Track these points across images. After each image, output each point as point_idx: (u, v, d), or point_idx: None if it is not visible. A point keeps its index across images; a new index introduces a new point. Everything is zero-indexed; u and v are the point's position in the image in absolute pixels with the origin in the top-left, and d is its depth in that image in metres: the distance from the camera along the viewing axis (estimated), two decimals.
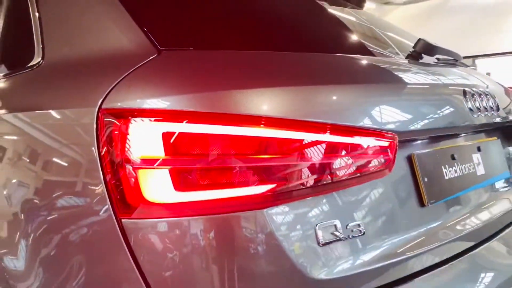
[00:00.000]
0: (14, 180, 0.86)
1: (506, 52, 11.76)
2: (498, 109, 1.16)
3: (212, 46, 0.88)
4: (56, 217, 0.76)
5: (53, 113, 0.85)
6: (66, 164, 0.78)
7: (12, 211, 0.83)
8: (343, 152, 0.75)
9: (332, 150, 0.74)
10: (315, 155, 0.73)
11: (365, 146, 0.77)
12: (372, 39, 1.34)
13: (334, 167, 0.74)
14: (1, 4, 1.30)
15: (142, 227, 0.68)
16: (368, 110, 0.84)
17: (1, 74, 1.17)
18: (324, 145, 0.74)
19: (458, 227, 0.98)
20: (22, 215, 0.80)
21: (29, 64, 1.04)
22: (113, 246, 0.68)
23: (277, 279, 0.70)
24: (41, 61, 1.01)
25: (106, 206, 0.69)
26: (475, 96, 1.07)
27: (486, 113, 1.10)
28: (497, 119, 1.17)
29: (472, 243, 0.99)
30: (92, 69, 0.85)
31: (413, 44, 1.16)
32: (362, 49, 1.18)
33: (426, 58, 1.17)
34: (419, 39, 1.16)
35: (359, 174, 0.76)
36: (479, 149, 1.16)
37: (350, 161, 0.75)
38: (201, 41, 0.89)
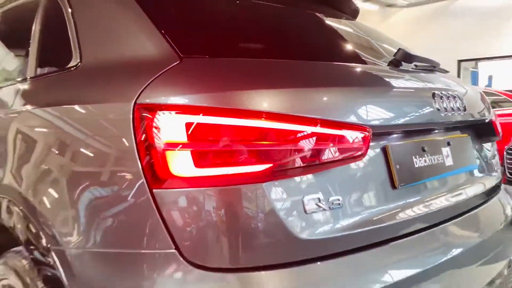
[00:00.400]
0: (69, 159, 1.06)
1: (508, 56, 11.88)
2: (465, 110, 1.36)
3: (223, 55, 1.08)
4: (104, 189, 0.97)
5: (96, 106, 1.06)
6: (108, 148, 0.98)
7: (72, 184, 1.04)
8: (327, 140, 0.96)
9: (318, 138, 0.94)
10: (304, 142, 0.93)
11: (344, 137, 0.97)
12: (359, 48, 1.54)
13: (318, 152, 0.94)
14: (41, 16, 1.51)
15: (169, 195, 0.89)
16: (349, 108, 1.04)
17: (44, 74, 1.39)
18: (312, 135, 0.94)
19: (424, 207, 1.18)
20: (80, 187, 1.00)
21: (68, 66, 1.25)
22: (147, 209, 0.89)
23: (271, 237, 0.90)
24: (79, 63, 1.21)
25: (142, 180, 0.90)
26: (443, 98, 1.26)
27: (453, 113, 1.30)
28: (463, 119, 1.36)
29: (435, 221, 1.19)
30: (126, 71, 1.06)
31: (409, 51, 1.37)
32: (349, 57, 1.39)
33: (407, 65, 1.37)
34: (399, 49, 1.36)
35: (338, 158, 0.96)
36: (448, 144, 1.36)
37: (332, 147, 0.96)
38: (215, 51, 1.09)
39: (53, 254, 1.03)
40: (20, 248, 1.22)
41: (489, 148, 1.65)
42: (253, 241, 0.88)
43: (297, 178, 0.93)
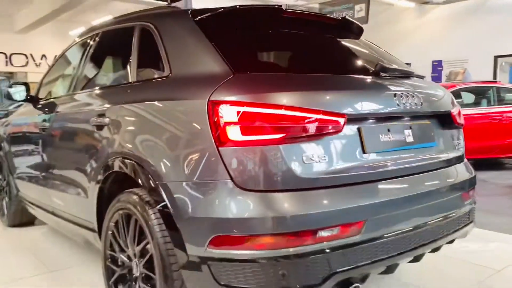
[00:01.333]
0: (167, 130, 1.81)
1: None
2: (421, 104, 2.01)
3: (258, 71, 1.80)
4: (191, 148, 1.71)
5: (182, 102, 1.80)
6: (193, 125, 1.72)
7: (172, 145, 1.79)
8: (318, 121, 1.65)
9: (313, 120, 1.64)
10: (304, 121, 1.62)
11: (328, 120, 1.67)
12: (355, 62, 2.22)
13: (313, 128, 1.64)
14: (138, 39, 2.28)
15: (228, 151, 1.61)
16: (335, 103, 1.72)
17: (145, 80, 2.16)
18: (308, 117, 1.63)
19: (388, 166, 1.85)
20: (177, 147, 1.75)
21: (162, 76, 2.01)
22: (216, 158, 1.62)
23: (283, 175, 1.60)
24: (170, 74, 1.97)
25: (212, 143, 1.63)
26: (402, 97, 1.92)
27: (411, 107, 1.95)
28: (421, 111, 2.02)
29: (396, 174, 1.86)
30: (201, 81, 1.79)
31: (387, 64, 2.05)
32: (345, 70, 2.07)
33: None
34: (377, 64, 2.03)
35: (324, 132, 1.66)
36: (410, 127, 2.02)
37: (320, 125, 1.65)
38: (253, 69, 1.81)
39: (159, 187, 1.78)
40: (133, 189, 1.99)
41: (451, 132, 2.28)
42: (273, 176, 1.59)
43: (300, 143, 1.63)
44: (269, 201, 1.58)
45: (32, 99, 3.48)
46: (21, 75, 20.93)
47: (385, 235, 1.76)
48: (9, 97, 3.51)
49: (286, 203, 1.59)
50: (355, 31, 2.47)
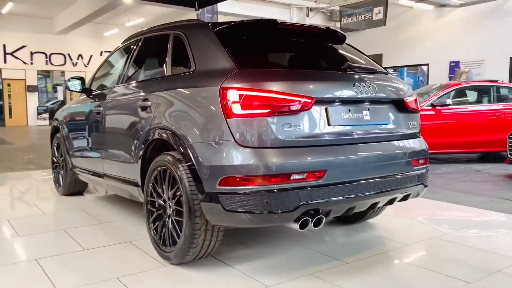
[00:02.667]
0: (190, 108, 2.62)
1: None
2: (377, 93, 2.75)
3: (257, 67, 2.59)
4: (208, 120, 2.50)
5: (202, 88, 2.61)
6: (210, 104, 2.52)
7: (195, 119, 2.60)
8: (294, 102, 2.42)
9: (290, 100, 2.41)
10: (284, 102, 2.40)
11: (301, 101, 2.43)
12: (329, 61, 2.98)
13: (290, 106, 2.41)
14: (172, 44, 3.11)
15: (233, 121, 2.39)
16: (308, 89, 2.49)
17: (176, 74, 2.99)
18: (288, 100, 2.41)
19: (347, 135, 2.61)
20: (198, 120, 2.56)
21: (189, 71, 2.83)
22: (224, 126, 2.41)
23: (269, 137, 2.36)
24: (195, 69, 2.78)
25: (222, 116, 2.41)
26: (360, 86, 2.67)
27: (367, 94, 2.70)
28: (376, 97, 2.76)
29: (354, 141, 2.61)
30: (216, 74, 2.58)
31: (353, 63, 2.82)
32: (322, 67, 2.83)
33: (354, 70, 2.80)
34: (345, 62, 2.79)
35: (298, 109, 2.42)
36: (368, 109, 2.76)
37: (295, 105, 2.42)
38: (254, 65, 2.60)
39: (187, 147, 2.58)
40: (168, 152, 2.81)
41: (405, 115, 2.99)
42: (262, 138, 2.37)
43: (281, 116, 2.40)
44: (259, 154, 2.36)
45: (86, 90, 4.37)
46: (57, 74, 22.34)
47: (341, 182, 2.51)
48: (68, 88, 4.40)
49: (271, 155, 2.36)
50: (338, 38, 3.21)
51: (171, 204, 2.79)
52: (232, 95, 2.41)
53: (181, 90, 2.80)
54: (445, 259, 2.95)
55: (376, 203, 2.78)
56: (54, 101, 23.30)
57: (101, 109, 3.84)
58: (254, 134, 2.38)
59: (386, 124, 2.87)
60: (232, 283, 2.54)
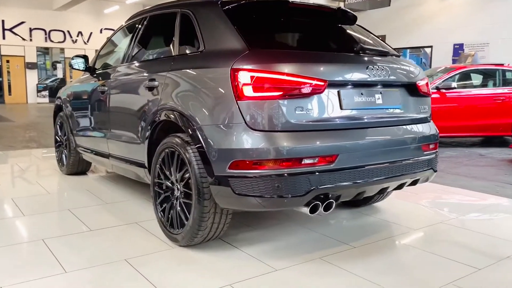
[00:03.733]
0: (200, 89, 2.57)
1: None
2: (390, 76, 2.70)
3: (268, 48, 2.53)
4: (219, 102, 2.45)
5: (212, 69, 2.55)
6: (220, 86, 2.47)
7: (204, 100, 2.55)
8: (306, 84, 2.37)
9: (303, 83, 2.36)
10: (296, 84, 2.35)
11: (314, 84, 2.38)
12: (341, 42, 2.91)
13: (301, 89, 2.36)
14: (180, 22, 3.03)
15: (243, 103, 2.34)
16: (320, 72, 2.44)
17: (184, 54, 2.92)
18: (300, 82, 2.36)
19: (359, 119, 2.57)
20: (209, 102, 2.51)
21: (198, 51, 2.77)
22: (235, 108, 2.36)
23: (280, 120, 2.31)
24: (204, 49, 2.72)
25: (233, 98, 2.36)
26: (373, 69, 2.62)
27: (380, 77, 2.65)
28: (389, 81, 2.71)
29: (366, 126, 2.57)
30: (226, 54, 2.52)
31: (366, 45, 2.75)
32: (335, 48, 2.77)
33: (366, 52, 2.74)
34: (357, 44, 2.72)
35: (310, 92, 2.38)
36: (381, 93, 2.71)
37: (308, 87, 2.37)
38: (264, 46, 2.54)
39: (196, 130, 2.54)
40: (176, 133, 2.77)
41: (416, 99, 2.95)
42: (274, 121, 2.33)
43: (293, 99, 2.36)
44: (271, 138, 2.32)
45: (90, 69, 4.31)
46: (56, 51, 22.12)
47: (353, 167, 2.48)
48: (71, 67, 4.33)
49: (282, 139, 2.32)
50: (349, 18, 3.14)
51: (179, 186, 2.76)
52: (244, 77, 2.36)
53: (190, 70, 2.75)
54: (452, 244, 2.95)
55: (386, 188, 2.76)
56: (53, 79, 23.13)
57: (106, 88, 3.79)
58: (265, 117, 2.34)
59: (398, 108, 2.83)
60: (240, 266, 2.53)
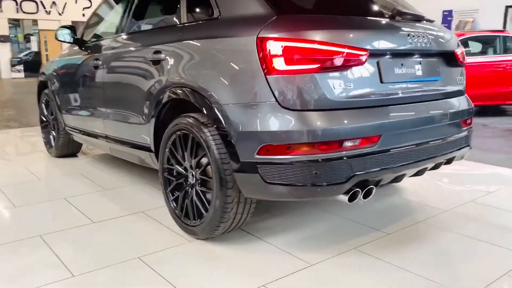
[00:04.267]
0: (218, 62, 2.23)
1: None
2: (430, 44, 2.40)
3: (297, 13, 2.19)
4: (242, 76, 2.12)
5: (233, 38, 2.20)
6: (244, 58, 2.13)
7: (225, 75, 2.20)
8: (347, 55, 2.05)
9: (341, 53, 2.04)
10: (336, 55, 2.03)
11: (355, 53, 2.07)
12: (377, 7, 2.57)
13: (341, 60, 2.04)
14: None
15: (274, 78, 2.02)
16: (360, 40, 2.12)
17: (196, 20, 2.55)
18: (339, 52, 2.04)
19: (399, 93, 2.27)
20: (229, 76, 2.17)
21: (212, 17, 2.40)
22: (263, 85, 2.03)
23: (317, 96, 2.01)
24: (219, 15, 2.35)
25: (261, 72, 2.03)
26: (414, 36, 2.31)
27: (422, 45, 2.34)
28: (430, 49, 2.41)
29: (407, 101, 2.28)
30: (250, 21, 2.17)
31: (402, 9, 2.42)
32: (371, 14, 2.44)
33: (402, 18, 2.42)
34: (394, 9, 2.40)
35: (350, 64, 2.06)
36: (420, 63, 2.41)
37: (349, 57, 2.05)
38: (293, 11, 2.19)
39: (216, 109, 2.21)
40: (189, 113, 2.43)
41: (454, 69, 2.67)
42: (309, 99, 2.01)
43: (331, 72, 2.04)
44: (307, 118, 2.01)
45: (78, 41, 3.88)
46: (29, 23, 21.06)
47: (395, 148, 2.20)
48: (56, 38, 3.89)
49: (320, 119, 2.02)
50: None
51: (194, 173, 2.45)
52: (273, 47, 2.03)
53: (204, 41, 2.39)
54: (490, 227, 2.73)
55: (425, 169, 2.50)
56: (28, 52, 22.14)
57: (100, 62, 3.39)
58: (300, 94, 2.03)
59: (438, 80, 2.54)
60: (270, 261, 2.26)
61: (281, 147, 2.03)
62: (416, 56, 2.42)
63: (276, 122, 2.04)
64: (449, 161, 2.66)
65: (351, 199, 2.16)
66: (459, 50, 2.67)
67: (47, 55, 20.87)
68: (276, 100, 2.04)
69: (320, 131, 2.00)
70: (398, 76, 2.30)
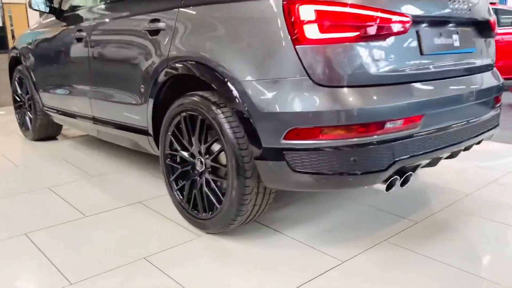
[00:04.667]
0: (237, 38, 1.89)
1: None
2: (469, 10, 2.13)
3: None
4: (266, 48, 1.80)
5: (253, 2, 1.86)
6: (268, 24, 1.81)
7: (243, 47, 1.88)
8: (388, 22, 1.76)
9: (383, 20, 1.75)
10: (377, 21, 1.73)
11: (397, 20, 1.77)
12: None
13: (383, 28, 1.75)
14: None
15: (307, 48, 1.71)
16: (403, 5, 1.82)
17: None
18: (379, 18, 1.74)
19: (438, 67, 2.00)
20: (252, 48, 1.84)
21: None
22: (293, 56, 1.72)
23: (353, 69, 1.71)
24: None
25: (289, 41, 1.72)
26: (455, 2, 2.03)
27: (462, 12, 2.07)
28: (469, 17, 2.14)
29: (445, 75, 2.01)
30: None
31: None
32: None
33: None
34: None
35: (393, 32, 1.77)
36: (457, 33, 2.14)
37: (392, 25, 1.76)
38: None
39: (232, 87, 1.89)
40: (197, 92, 2.11)
41: (487, 40, 2.42)
42: (346, 73, 1.72)
43: (372, 41, 1.75)
44: (344, 95, 1.72)
45: (56, 11, 3.45)
46: None
47: (436, 129, 1.95)
48: (31, 7, 3.45)
49: (360, 97, 1.73)
50: None
51: (202, 160, 2.15)
52: (305, 12, 1.71)
53: (214, 5, 2.04)
54: None
55: (460, 151, 2.26)
56: None
57: (84, 34, 2.99)
58: (337, 68, 1.73)
59: (473, 52, 2.28)
60: (296, 258, 2.00)
61: (313, 130, 1.74)
62: (453, 24, 2.15)
63: (307, 101, 1.74)
64: (479, 142, 2.43)
65: (388, 187, 1.91)
66: (492, 19, 2.41)
67: (12, 30, 19.77)
68: (308, 75, 1.73)
69: (361, 111, 1.71)
70: (437, 47, 2.02)
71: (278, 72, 1.79)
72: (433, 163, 2.14)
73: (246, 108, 1.86)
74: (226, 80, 1.92)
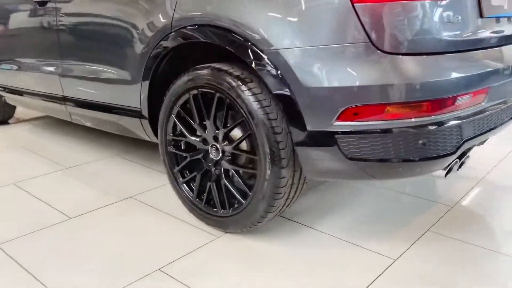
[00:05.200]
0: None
1: None
2: None
3: None
4: (311, 6, 1.45)
5: None
6: None
7: (281, 6, 1.49)
8: None
9: None
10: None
11: None
12: None
13: None
14: None
15: (367, 6, 1.38)
16: None
17: None
18: None
19: (500, 32, 1.73)
20: (289, 13, 1.47)
21: None
22: (350, 17, 1.38)
23: (419, 36, 1.41)
24: None
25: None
26: None
27: None
28: None
29: (504, 42, 1.75)
30: None
31: None
32: None
33: None
34: None
35: None
36: None
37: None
38: None
39: (265, 56, 1.53)
40: (212, 64, 1.73)
41: None
42: (417, 37, 1.41)
43: (440, 1, 1.45)
44: (415, 65, 1.42)
45: None
46: None
47: (498, 104, 1.70)
48: None
49: (432, 67, 1.43)
50: None
51: (219, 147, 1.78)
52: None
53: None
54: None
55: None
56: None
57: None
58: (404, 31, 1.41)
59: None
60: (340, 257, 1.70)
61: (377, 108, 1.43)
62: None
63: (370, 72, 1.42)
64: None
65: (448, 172, 1.65)
66: None
67: None
68: (370, 40, 1.40)
69: (434, 83, 1.42)
70: (496, 9, 1.75)
71: (330, 37, 1.44)
72: (479, 145, 1.90)
73: (286, 83, 1.51)
74: (258, 48, 1.55)
